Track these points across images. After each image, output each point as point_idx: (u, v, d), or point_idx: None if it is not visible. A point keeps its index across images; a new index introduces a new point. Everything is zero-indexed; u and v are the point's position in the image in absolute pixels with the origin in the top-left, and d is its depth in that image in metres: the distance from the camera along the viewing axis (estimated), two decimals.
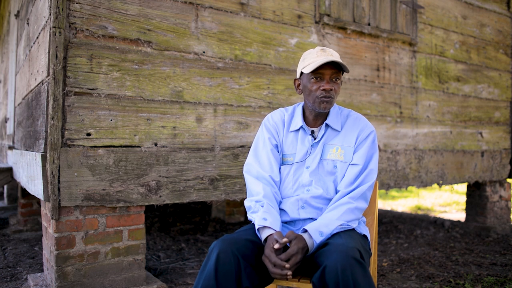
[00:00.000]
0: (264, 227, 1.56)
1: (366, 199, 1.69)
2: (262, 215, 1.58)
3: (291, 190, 1.74)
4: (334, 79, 1.69)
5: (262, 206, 1.62)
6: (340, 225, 1.57)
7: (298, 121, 1.79)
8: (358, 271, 1.34)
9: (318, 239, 1.52)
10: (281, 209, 1.74)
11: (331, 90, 1.68)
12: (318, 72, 1.68)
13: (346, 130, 1.76)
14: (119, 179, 2.31)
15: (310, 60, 1.70)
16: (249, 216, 1.66)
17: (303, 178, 1.73)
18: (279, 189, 1.77)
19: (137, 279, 2.41)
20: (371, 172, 1.70)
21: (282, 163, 1.79)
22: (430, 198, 7.72)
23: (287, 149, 1.79)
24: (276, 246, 1.45)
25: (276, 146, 1.79)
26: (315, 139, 1.76)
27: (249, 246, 1.52)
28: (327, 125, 1.77)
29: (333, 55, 1.69)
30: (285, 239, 1.46)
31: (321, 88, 1.68)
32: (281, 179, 1.77)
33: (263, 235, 1.56)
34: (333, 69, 1.68)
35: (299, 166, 1.75)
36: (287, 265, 1.42)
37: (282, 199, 1.76)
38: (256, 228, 1.58)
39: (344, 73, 3.20)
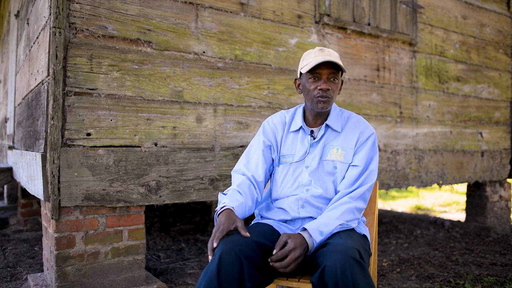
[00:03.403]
0: (222, 209, 1.55)
1: (365, 200, 1.69)
2: (223, 200, 1.59)
3: (290, 189, 1.74)
4: (331, 79, 1.70)
5: (225, 194, 1.64)
6: (340, 224, 1.57)
7: (298, 121, 1.80)
8: (358, 271, 1.34)
9: (318, 238, 1.52)
10: (280, 208, 1.75)
11: (328, 90, 1.69)
12: (315, 72, 1.69)
13: (346, 132, 1.77)
14: (119, 179, 2.31)
15: (308, 60, 1.71)
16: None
17: (303, 177, 1.73)
18: (277, 190, 1.78)
19: (137, 279, 2.41)
20: (371, 173, 1.71)
21: (280, 163, 1.79)
22: (430, 198, 7.71)
23: (287, 150, 1.80)
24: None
25: (270, 147, 1.81)
26: (314, 139, 1.77)
27: (252, 246, 1.52)
28: (327, 126, 1.77)
29: (331, 55, 1.69)
30: (247, 234, 1.47)
31: (318, 87, 1.69)
32: (279, 179, 1.78)
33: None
34: (331, 69, 1.69)
35: (298, 166, 1.75)
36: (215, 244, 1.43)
37: (280, 198, 1.76)
38: (216, 214, 1.57)
39: (344, 73, 3.20)
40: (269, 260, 1.46)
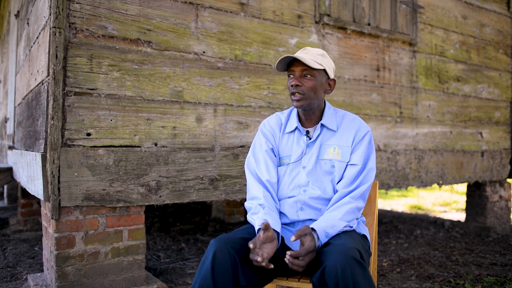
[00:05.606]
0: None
1: (365, 199, 1.70)
2: (263, 216, 1.58)
3: (287, 190, 1.74)
4: (305, 75, 1.70)
5: (263, 208, 1.63)
6: (344, 226, 1.58)
7: (293, 122, 1.80)
8: (358, 271, 1.34)
9: (324, 240, 1.54)
10: (279, 212, 1.75)
11: (299, 85, 1.69)
12: (290, 70, 1.74)
13: (342, 130, 1.77)
14: (119, 179, 2.31)
15: None
16: (249, 217, 1.66)
17: (300, 178, 1.73)
18: (277, 190, 1.78)
19: (137, 279, 2.41)
20: (370, 172, 1.71)
21: (279, 165, 1.79)
22: (430, 198, 7.72)
23: (284, 151, 1.80)
24: (293, 238, 1.46)
25: (272, 150, 1.80)
26: (310, 139, 1.77)
27: (246, 245, 1.52)
28: (322, 125, 1.77)
29: (308, 53, 1.73)
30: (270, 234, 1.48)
31: (290, 84, 1.72)
32: (278, 180, 1.78)
33: None
34: (303, 65, 1.70)
35: (295, 166, 1.75)
36: (259, 259, 1.41)
37: (279, 200, 1.76)
38: (257, 228, 1.58)
39: (344, 72, 3.21)
40: (288, 253, 1.44)
